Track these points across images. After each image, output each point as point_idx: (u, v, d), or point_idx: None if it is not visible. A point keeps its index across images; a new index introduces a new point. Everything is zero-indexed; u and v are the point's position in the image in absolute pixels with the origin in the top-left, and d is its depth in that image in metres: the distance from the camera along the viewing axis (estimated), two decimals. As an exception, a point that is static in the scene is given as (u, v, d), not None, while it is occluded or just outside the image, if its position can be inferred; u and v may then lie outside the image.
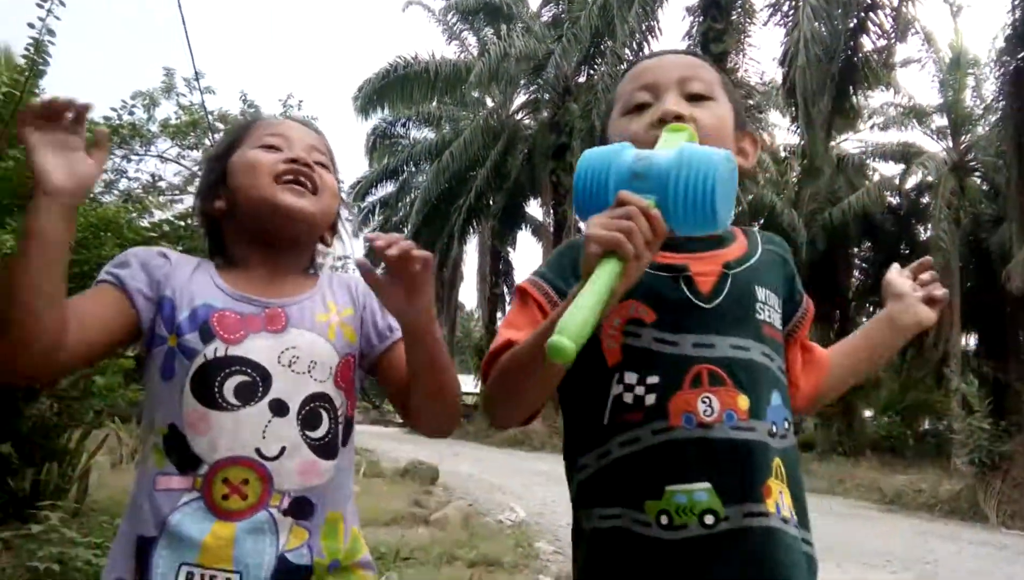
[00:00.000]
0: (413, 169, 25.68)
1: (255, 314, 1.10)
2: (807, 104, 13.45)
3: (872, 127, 22.03)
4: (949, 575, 6.43)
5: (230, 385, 1.04)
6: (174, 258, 1.14)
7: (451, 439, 25.13)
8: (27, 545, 3.52)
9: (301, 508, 1.04)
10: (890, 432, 20.94)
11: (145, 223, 5.30)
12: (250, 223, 1.15)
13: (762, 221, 22.06)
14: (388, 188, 26.63)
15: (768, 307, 1.09)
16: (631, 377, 1.03)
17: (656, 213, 0.86)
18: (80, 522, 4.24)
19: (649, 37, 16.71)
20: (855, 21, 14.24)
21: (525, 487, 10.57)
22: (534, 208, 26.51)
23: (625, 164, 0.89)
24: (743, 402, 1.00)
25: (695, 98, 1.09)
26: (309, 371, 1.09)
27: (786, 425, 1.05)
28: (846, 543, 7.05)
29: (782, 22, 14.61)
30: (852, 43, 14.27)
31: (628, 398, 1.03)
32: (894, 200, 21.97)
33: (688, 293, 1.05)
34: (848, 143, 22.68)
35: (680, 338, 1.03)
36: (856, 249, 23.36)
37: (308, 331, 1.11)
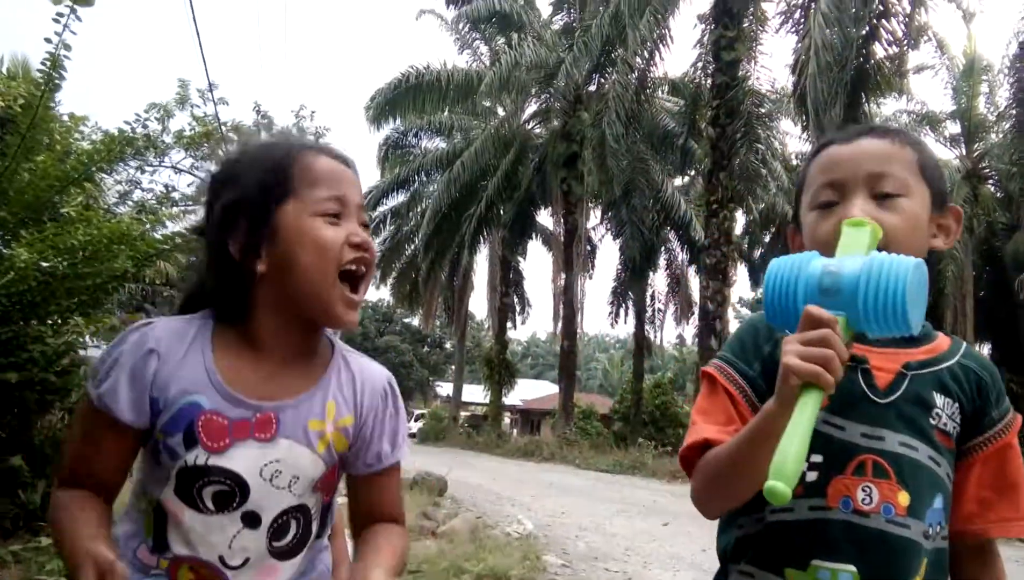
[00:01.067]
0: (424, 178, 25.77)
1: (245, 418, 1.04)
2: (818, 112, 13.41)
3: (884, 135, 21.93)
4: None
5: (208, 492, 1.03)
6: (164, 348, 1.04)
7: (461, 449, 25.04)
8: (36, 558, 3.55)
9: None
10: (904, 442, 20.79)
11: (158, 235, 5.35)
12: (293, 304, 1.06)
13: (773, 229, 22.04)
14: (399, 197, 26.73)
15: (944, 415, 1.08)
16: None
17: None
18: (90, 534, 4.26)
19: (660, 46, 16.73)
20: (867, 28, 14.21)
21: (534, 499, 10.55)
22: (544, 217, 26.54)
23: (814, 279, 0.92)
24: (903, 498, 1.03)
25: (885, 196, 1.07)
26: (290, 486, 1.06)
27: (939, 527, 1.07)
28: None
29: (794, 30, 14.61)
30: (864, 50, 14.24)
31: None
32: (907, 208, 21.83)
33: (864, 385, 1.08)
34: (860, 151, 22.58)
35: (849, 425, 1.06)
36: (869, 257, 23.21)
37: (297, 443, 1.06)
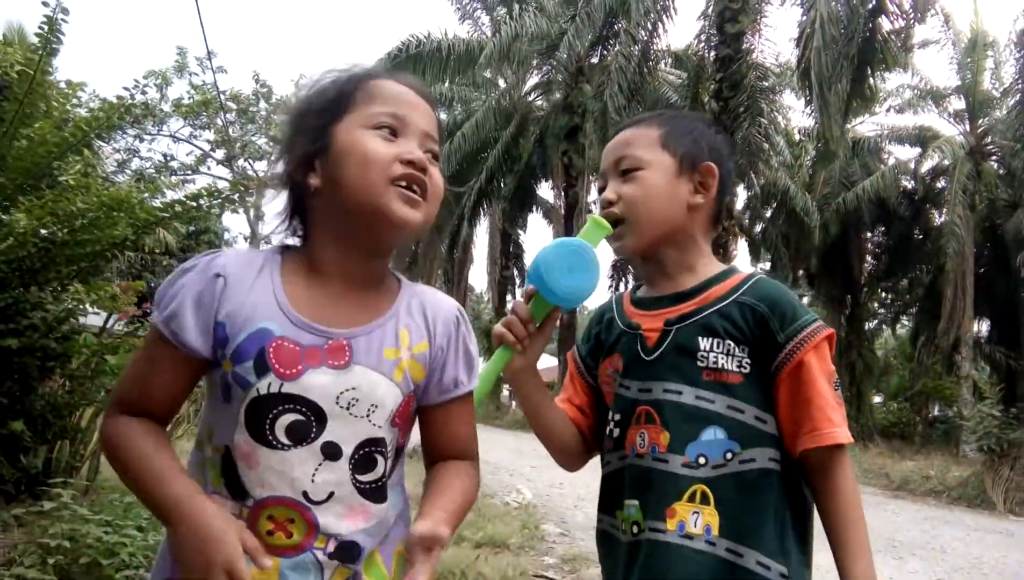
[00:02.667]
0: (425, 150, 25.60)
1: (316, 345, 1.00)
2: (822, 86, 13.31)
3: (888, 110, 21.79)
4: (953, 561, 6.44)
5: (282, 423, 0.98)
6: (231, 273, 1.01)
7: (460, 420, 25.06)
8: (39, 522, 3.57)
9: (348, 552, 1.01)
10: (899, 418, 20.89)
11: (157, 203, 5.33)
12: (347, 220, 1.03)
13: (775, 205, 21.96)
14: (399, 169, 26.57)
15: (715, 354, 1.21)
16: (611, 414, 1.31)
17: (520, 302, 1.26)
18: (91, 499, 4.29)
19: (664, 17, 16.53)
20: (874, 2, 14.04)
21: (533, 469, 10.64)
22: (545, 190, 26.41)
23: (533, 269, 1.23)
24: (664, 438, 1.21)
25: (624, 173, 1.29)
26: (368, 415, 1.02)
27: (727, 455, 1.19)
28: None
29: (799, 2, 14.43)
30: (870, 24, 14.09)
31: (607, 430, 1.31)
32: (909, 184, 21.76)
33: (639, 347, 1.28)
34: (864, 126, 22.47)
35: (631, 384, 1.27)
36: (869, 234, 23.18)
37: (373, 370, 1.02)
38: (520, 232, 28.42)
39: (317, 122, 1.05)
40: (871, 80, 14.92)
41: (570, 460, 1.40)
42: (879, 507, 9.64)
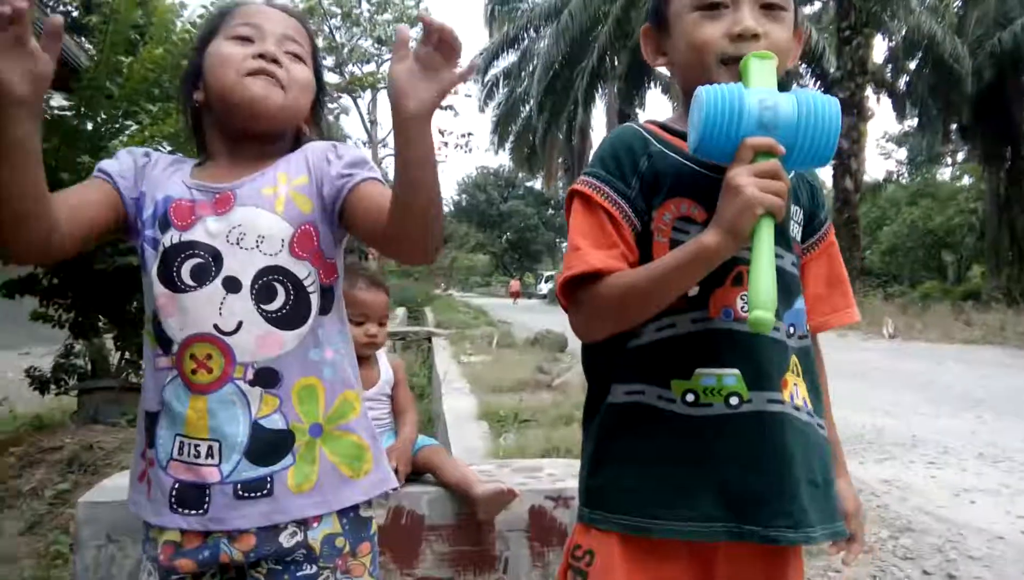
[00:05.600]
0: (533, 35, 24.94)
1: (206, 200, 1.16)
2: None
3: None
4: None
5: (186, 268, 1.12)
6: (155, 157, 1.23)
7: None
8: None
9: (266, 378, 1.12)
10: (1068, 278, 19.18)
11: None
12: (220, 116, 1.20)
13: (920, 54, 19.97)
14: (510, 58, 26.10)
15: (795, 224, 1.14)
16: None
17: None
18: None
19: None
20: None
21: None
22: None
23: (753, 115, 0.95)
24: None
25: (771, 7, 1.07)
26: (257, 246, 1.14)
27: (806, 328, 1.16)
28: (990, 395, 6.68)
29: None
30: None
31: None
32: (1080, 15, 19.13)
33: None
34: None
35: None
36: (1031, 77, 20.77)
37: (253, 207, 1.15)
38: (639, 111, 27.48)
39: (197, 46, 1.25)
40: None
41: (624, 329, 1.22)
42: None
